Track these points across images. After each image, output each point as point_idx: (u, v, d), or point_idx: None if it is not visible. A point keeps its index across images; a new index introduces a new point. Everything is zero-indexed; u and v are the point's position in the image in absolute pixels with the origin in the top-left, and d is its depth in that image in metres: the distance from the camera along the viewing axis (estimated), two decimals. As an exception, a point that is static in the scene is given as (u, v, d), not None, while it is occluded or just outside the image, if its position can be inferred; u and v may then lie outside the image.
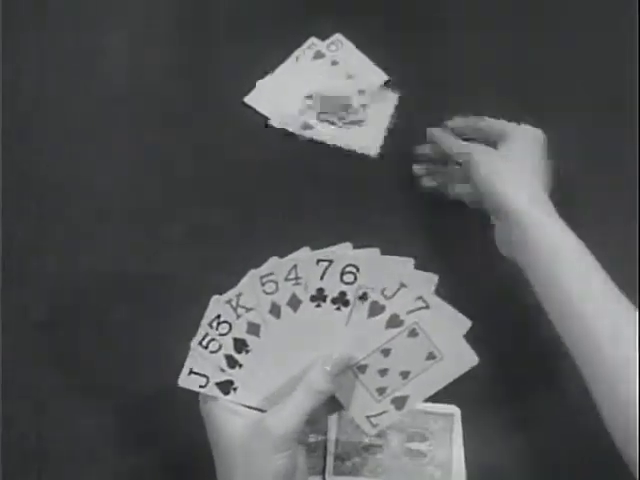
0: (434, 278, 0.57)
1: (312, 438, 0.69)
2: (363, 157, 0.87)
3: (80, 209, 0.84)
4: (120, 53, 0.93)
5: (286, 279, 0.58)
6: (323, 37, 0.94)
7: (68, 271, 0.80)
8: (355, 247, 0.59)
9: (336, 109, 0.88)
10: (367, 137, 0.88)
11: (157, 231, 0.83)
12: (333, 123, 0.88)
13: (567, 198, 0.83)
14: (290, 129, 0.88)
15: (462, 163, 0.74)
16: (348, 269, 0.57)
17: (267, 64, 0.92)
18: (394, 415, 0.59)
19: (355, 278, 0.57)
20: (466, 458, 0.70)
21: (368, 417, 0.59)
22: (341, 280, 0.57)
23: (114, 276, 0.80)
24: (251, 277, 0.58)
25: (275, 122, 0.88)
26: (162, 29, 0.95)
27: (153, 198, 0.85)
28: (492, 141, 0.75)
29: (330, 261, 0.57)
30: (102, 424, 0.73)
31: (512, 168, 0.70)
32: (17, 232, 0.81)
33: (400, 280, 0.57)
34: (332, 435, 0.69)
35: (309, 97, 0.89)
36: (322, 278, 0.57)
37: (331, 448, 0.69)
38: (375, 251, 0.58)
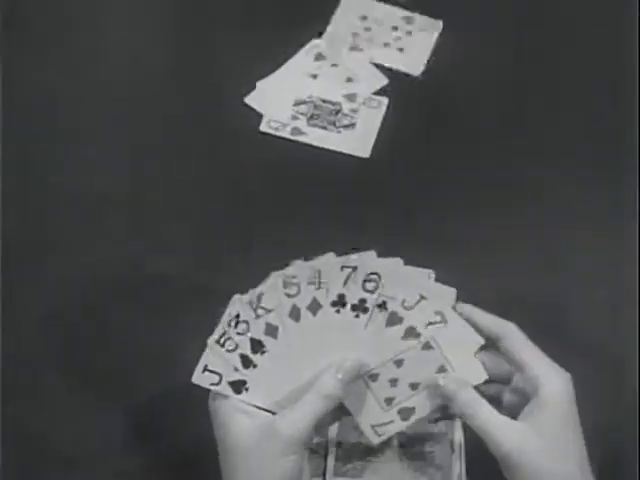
0: (453, 292, 0.57)
1: (313, 440, 0.69)
2: (358, 159, 0.87)
3: (80, 209, 0.84)
4: (120, 53, 0.93)
5: (309, 283, 0.57)
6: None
7: (68, 271, 0.80)
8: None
9: (326, 114, 0.88)
10: (359, 140, 0.88)
11: (157, 231, 0.83)
12: (324, 128, 0.88)
13: (568, 198, 0.83)
14: (281, 134, 0.88)
15: None
16: (371, 277, 0.57)
17: (268, 65, 0.92)
18: (399, 425, 0.58)
19: (377, 286, 0.57)
20: (466, 460, 0.70)
21: (373, 426, 0.59)
22: (363, 288, 0.57)
23: (114, 276, 0.80)
24: (274, 278, 0.58)
25: (265, 127, 0.88)
26: (162, 29, 0.95)
27: (153, 198, 0.85)
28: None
29: (354, 268, 0.57)
30: (102, 424, 0.73)
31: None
32: (17, 232, 0.81)
33: (420, 292, 0.57)
34: (333, 437, 0.69)
35: (298, 104, 0.89)
36: (345, 284, 0.57)
37: (332, 450, 0.69)
38: (398, 261, 0.58)
